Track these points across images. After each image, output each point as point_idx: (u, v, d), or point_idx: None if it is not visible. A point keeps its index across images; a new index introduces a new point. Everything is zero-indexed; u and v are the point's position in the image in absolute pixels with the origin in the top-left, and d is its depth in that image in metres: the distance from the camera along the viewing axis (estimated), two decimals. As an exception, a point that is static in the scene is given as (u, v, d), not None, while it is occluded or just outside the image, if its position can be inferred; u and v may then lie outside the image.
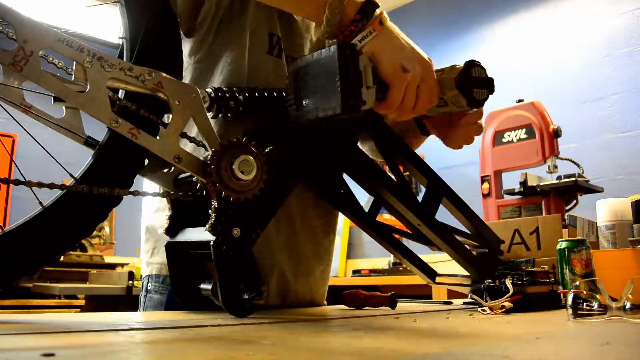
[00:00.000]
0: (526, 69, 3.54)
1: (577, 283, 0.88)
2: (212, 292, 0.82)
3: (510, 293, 0.92)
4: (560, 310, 0.96)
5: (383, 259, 3.70)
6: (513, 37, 3.70)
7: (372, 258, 4.07)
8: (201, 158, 0.78)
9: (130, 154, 0.78)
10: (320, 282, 1.16)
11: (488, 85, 0.92)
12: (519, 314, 0.89)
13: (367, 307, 1.04)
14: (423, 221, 0.99)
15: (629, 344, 0.55)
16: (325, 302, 1.21)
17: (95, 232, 3.44)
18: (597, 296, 0.79)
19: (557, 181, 2.12)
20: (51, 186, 0.71)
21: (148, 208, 1.11)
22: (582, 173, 2.19)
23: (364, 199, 1.04)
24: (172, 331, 0.63)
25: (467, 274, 1.08)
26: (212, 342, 0.54)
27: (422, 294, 2.35)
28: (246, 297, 0.77)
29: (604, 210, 1.33)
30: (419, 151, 1.16)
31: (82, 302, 3.39)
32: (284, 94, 0.91)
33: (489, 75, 0.94)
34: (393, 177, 1.00)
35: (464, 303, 1.20)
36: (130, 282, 2.99)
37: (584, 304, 0.80)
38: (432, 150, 4.00)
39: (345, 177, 1.04)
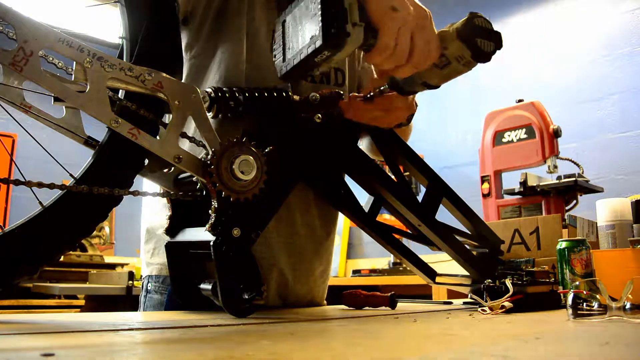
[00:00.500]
0: (526, 68, 3.54)
1: (577, 283, 0.88)
2: (212, 292, 0.82)
3: (510, 293, 0.92)
4: (560, 310, 0.96)
5: (383, 259, 3.70)
6: (513, 37, 3.70)
7: (372, 258, 4.07)
8: (201, 158, 0.78)
9: (130, 154, 0.78)
10: (320, 282, 1.16)
11: (495, 38, 0.82)
12: (519, 314, 0.89)
13: (367, 307, 1.04)
14: (423, 221, 0.99)
15: (629, 344, 0.55)
16: (325, 302, 1.21)
17: (95, 232, 3.44)
18: (597, 296, 0.79)
19: (557, 181, 2.12)
20: (51, 186, 0.71)
21: (148, 209, 1.11)
22: (582, 173, 2.20)
23: (364, 199, 1.04)
24: (172, 331, 0.63)
25: (467, 274, 1.08)
26: (212, 342, 0.54)
27: (422, 294, 2.35)
28: (246, 297, 0.77)
29: (604, 210, 1.33)
30: (419, 151, 1.16)
31: (82, 302, 3.39)
32: (286, 94, 0.90)
33: (497, 30, 0.84)
34: (393, 177, 1.00)
35: (464, 303, 1.20)
36: (130, 282, 2.99)
37: (584, 304, 0.80)
38: (432, 150, 3.99)
39: (345, 177, 1.04)
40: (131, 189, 0.78)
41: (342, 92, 0.94)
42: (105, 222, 3.88)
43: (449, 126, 3.74)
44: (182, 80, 0.99)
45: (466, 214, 1.08)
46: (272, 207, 0.86)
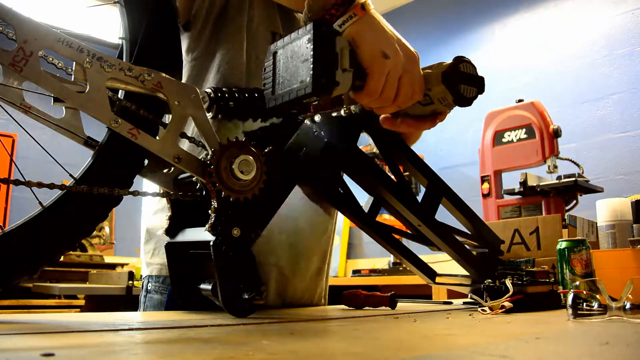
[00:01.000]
0: (526, 68, 3.54)
1: (577, 283, 0.88)
2: (212, 292, 0.82)
3: (510, 293, 0.92)
4: (560, 310, 0.96)
5: (383, 259, 3.70)
6: (513, 37, 3.70)
7: (372, 258, 4.07)
8: (200, 158, 0.78)
9: (129, 154, 0.78)
10: (319, 280, 1.17)
11: (477, 84, 0.86)
12: (519, 314, 0.89)
13: (367, 307, 1.04)
14: (423, 221, 0.99)
15: (629, 344, 0.55)
16: (325, 302, 1.21)
17: (95, 232, 3.44)
18: (597, 296, 0.79)
19: (557, 181, 2.12)
20: (51, 186, 0.71)
21: (148, 209, 1.11)
22: (582, 173, 2.20)
23: (363, 199, 1.04)
24: (172, 331, 0.63)
25: (467, 274, 1.08)
26: (212, 342, 0.54)
27: (422, 294, 2.35)
28: (246, 297, 0.77)
29: (604, 210, 1.33)
30: (419, 151, 1.16)
31: (82, 302, 3.39)
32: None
33: (482, 75, 0.88)
34: (393, 177, 1.00)
35: (464, 303, 1.20)
36: (130, 282, 2.99)
37: (584, 304, 0.80)
38: (432, 150, 3.99)
39: (345, 177, 1.04)
40: (131, 189, 0.78)
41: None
42: (105, 222, 3.88)
43: (449, 126, 3.74)
44: (183, 81, 0.99)
45: (466, 214, 1.08)
46: (272, 207, 0.86)
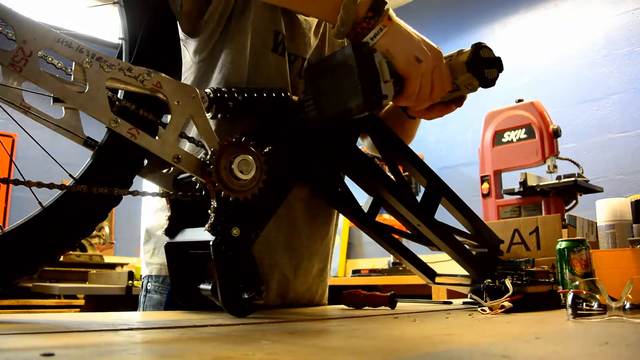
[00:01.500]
0: (526, 68, 3.54)
1: (577, 283, 0.88)
2: (212, 292, 0.82)
3: (510, 293, 0.92)
4: (560, 310, 0.96)
5: (383, 259, 3.70)
6: (513, 37, 3.70)
7: (372, 258, 4.07)
8: (200, 158, 0.78)
9: (129, 154, 0.78)
10: (320, 281, 1.17)
11: (497, 64, 0.93)
12: (519, 313, 0.89)
13: (366, 307, 1.04)
14: (422, 221, 0.99)
15: (629, 343, 0.55)
16: (325, 301, 1.21)
17: (94, 232, 3.44)
18: (597, 296, 0.79)
19: (557, 181, 2.12)
20: (51, 186, 0.71)
21: (148, 209, 1.11)
22: (582, 173, 2.20)
23: (363, 199, 1.04)
24: (172, 331, 0.63)
25: (467, 274, 1.08)
26: (212, 342, 0.54)
27: (421, 294, 2.35)
28: (246, 297, 0.77)
29: (604, 210, 1.33)
30: (419, 151, 1.16)
31: (81, 302, 3.39)
32: (284, 94, 0.91)
33: (499, 55, 0.95)
34: (392, 177, 1.00)
35: (464, 303, 1.20)
36: (130, 282, 2.99)
37: (584, 303, 0.80)
38: (431, 150, 3.99)
39: (345, 177, 1.04)
40: (131, 189, 0.78)
41: None
42: (105, 222, 3.88)
43: (449, 126, 3.74)
44: (190, 83, 0.99)
45: (466, 214, 1.08)
46: (272, 207, 0.86)
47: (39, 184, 0.69)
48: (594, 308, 0.79)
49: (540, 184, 2.14)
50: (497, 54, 0.95)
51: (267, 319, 0.79)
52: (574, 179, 2.07)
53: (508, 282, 0.94)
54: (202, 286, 0.85)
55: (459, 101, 1.00)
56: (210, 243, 0.77)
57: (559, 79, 3.40)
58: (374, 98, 0.79)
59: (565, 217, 1.65)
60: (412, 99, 0.86)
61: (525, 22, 3.68)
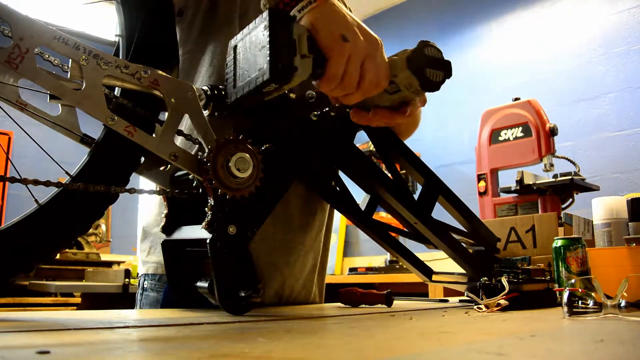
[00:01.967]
0: (523, 67, 3.55)
1: (573, 281, 0.88)
2: (209, 290, 0.82)
3: (506, 291, 0.93)
4: (556, 308, 0.96)
5: (379, 257, 3.70)
6: (509, 36, 3.71)
7: (369, 256, 4.08)
8: (197, 155, 0.78)
9: (126, 152, 0.78)
10: (317, 279, 1.17)
11: (444, 67, 0.82)
12: (515, 311, 0.89)
13: (363, 305, 1.04)
14: (419, 219, 0.99)
15: (623, 341, 0.55)
16: (322, 299, 1.21)
17: (91, 230, 3.43)
18: (593, 294, 0.80)
19: (553, 179, 2.12)
20: (47, 184, 0.71)
21: (144, 207, 1.11)
22: (578, 171, 2.20)
23: (360, 197, 1.04)
24: (168, 329, 0.63)
25: (464, 271, 1.08)
26: (208, 339, 0.54)
27: (418, 291, 2.35)
28: (242, 294, 0.77)
29: (600, 209, 1.33)
30: (416, 150, 1.16)
31: (78, 300, 3.38)
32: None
33: (449, 59, 0.84)
34: (389, 175, 1.00)
35: (460, 301, 1.21)
36: (127, 280, 2.98)
37: (579, 301, 0.80)
38: (428, 148, 3.98)
39: (342, 175, 1.04)
40: (127, 187, 0.77)
41: None
42: (102, 220, 3.88)
43: (446, 124, 3.75)
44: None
45: (462, 212, 1.08)
46: (269, 204, 0.86)
47: (36, 182, 0.69)
48: (589, 306, 0.79)
49: (537, 182, 2.15)
50: (447, 58, 0.83)
51: (264, 316, 0.79)
52: (570, 177, 2.08)
53: (504, 280, 0.95)
54: (198, 284, 0.85)
55: (402, 108, 0.87)
56: (207, 241, 0.77)
57: (555, 78, 3.40)
58: (279, 66, 0.71)
59: (562, 215, 1.66)
60: (334, 82, 0.76)
61: (522, 20, 3.68)
